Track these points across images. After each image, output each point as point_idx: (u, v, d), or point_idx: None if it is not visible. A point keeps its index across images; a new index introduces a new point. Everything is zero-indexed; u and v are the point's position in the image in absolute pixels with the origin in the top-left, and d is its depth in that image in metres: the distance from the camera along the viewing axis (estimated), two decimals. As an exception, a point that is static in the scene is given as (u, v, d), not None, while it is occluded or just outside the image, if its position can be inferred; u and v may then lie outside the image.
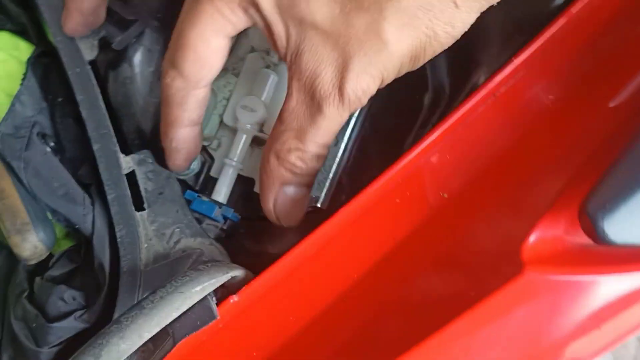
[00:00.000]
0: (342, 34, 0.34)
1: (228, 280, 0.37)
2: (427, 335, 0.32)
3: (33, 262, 0.41)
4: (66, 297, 0.40)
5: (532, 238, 0.31)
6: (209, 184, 0.45)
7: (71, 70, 0.42)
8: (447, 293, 0.34)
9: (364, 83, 0.35)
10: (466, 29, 0.35)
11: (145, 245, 0.40)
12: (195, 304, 0.35)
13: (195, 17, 0.36)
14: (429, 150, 0.37)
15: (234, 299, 0.35)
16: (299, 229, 0.39)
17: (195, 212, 0.42)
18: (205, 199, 0.42)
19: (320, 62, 0.35)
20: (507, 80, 0.36)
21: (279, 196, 0.38)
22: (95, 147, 0.41)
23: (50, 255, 0.43)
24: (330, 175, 0.43)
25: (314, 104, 0.35)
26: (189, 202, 0.42)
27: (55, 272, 0.42)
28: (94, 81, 0.42)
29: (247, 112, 0.43)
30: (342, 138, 0.43)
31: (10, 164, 0.41)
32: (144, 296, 0.35)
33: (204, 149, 0.46)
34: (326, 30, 0.34)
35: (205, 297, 0.35)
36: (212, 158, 0.46)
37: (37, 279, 0.42)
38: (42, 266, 0.43)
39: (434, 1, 0.33)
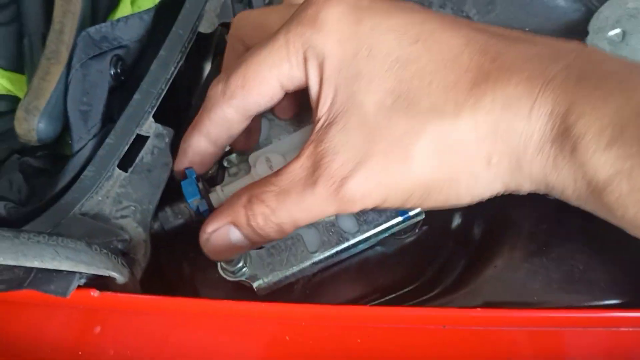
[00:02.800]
0: (377, 129, 0.33)
1: (111, 279, 0.36)
2: None
3: (21, 140, 0.43)
4: (15, 184, 0.42)
5: None
6: None
7: (176, 28, 0.44)
8: None
9: (367, 189, 0.33)
10: (484, 198, 0.33)
11: (100, 198, 0.41)
12: (64, 271, 0.35)
13: (267, 43, 0.36)
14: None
15: (95, 293, 0.35)
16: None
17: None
18: (200, 186, 0.41)
19: (343, 144, 0.33)
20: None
21: (221, 230, 0.37)
22: (136, 96, 0.43)
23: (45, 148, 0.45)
24: (287, 273, 0.41)
25: (312, 178, 0.34)
26: (185, 176, 0.42)
27: (33, 162, 0.45)
28: (185, 48, 0.44)
29: (266, 165, 0.42)
30: (322, 252, 0.41)
31: (72, 58, 0.44)
32: (34, 231, 0.35)
33: (224, 170, 0.46)
34: (368, 116, 0.33)
35: (73, 273, 0.35)
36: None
37: (16, 155, 0.44)
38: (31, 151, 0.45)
39: (471, 146, 0.31)
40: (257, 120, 0.43)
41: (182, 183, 0.41)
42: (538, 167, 0.30)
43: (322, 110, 0.35)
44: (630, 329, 0.30)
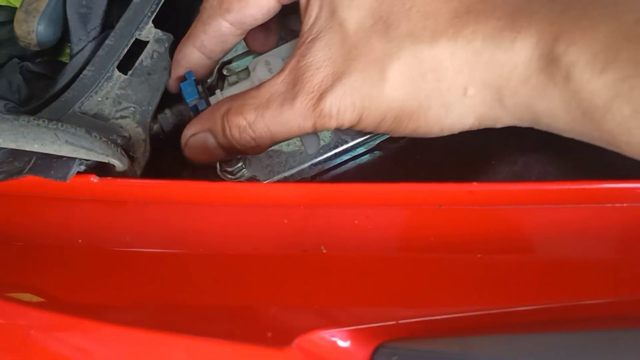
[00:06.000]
0: (356, 48, 0.33)
1: (112, 167, 0.36)
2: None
3: (20, 43, 0.43)
4: (14, 85, 0.42)
5: (323, 333, 0.27)
6: None
7: None
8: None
9: (343, 105, 0.33)
10: (455, 131, 0.33)
11: (99, 98, 0.41)
12: (64, 157, 0.35)
13: None
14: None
15: (95, 179, 0.35)
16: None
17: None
18: (199, 88, 0.41)
19: (325, 59, 0.34)
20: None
21: (200, 135, 0.38)
22: (135, 0, 0.43)
23: (44, 54, 0.45)
24: (286, 174, 0.41)
25: (292, 92, 0.34)
26: (183, 78, 0.42)
27: (33, 67, 0.45)
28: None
29: (265, 68, 0.42)
30: (320, 154, 0.41)
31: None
32: (35, 116, 0.35)
33: (224, 78, 0.46)
34: (349, 34, 0.33)
35: (73, 158, 0.35)
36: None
37: (15, 59, 0.44)
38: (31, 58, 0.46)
39: (446, 75, 0.31)
40: (275, 20, 0.42)
41: (182, 84, 0.41)
42: (523, 97, 0.30)
43: (307, 26, 0.35)
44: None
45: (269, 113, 0.35)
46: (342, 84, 0.33)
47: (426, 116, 0.32)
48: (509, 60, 0.30)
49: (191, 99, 0.41)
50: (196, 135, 0.38)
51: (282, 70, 0.36)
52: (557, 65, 0.28)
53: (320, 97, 0.33)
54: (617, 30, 0.27)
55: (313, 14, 0.35)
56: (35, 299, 0.36)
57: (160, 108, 0.42)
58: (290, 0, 0.37)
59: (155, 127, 0.42)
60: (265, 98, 0.35)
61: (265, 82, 0.36)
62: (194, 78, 0.41)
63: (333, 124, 0.34)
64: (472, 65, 0.30)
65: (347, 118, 0.34)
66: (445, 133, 0.33)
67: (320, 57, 0.34)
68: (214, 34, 0.39)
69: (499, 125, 0.32)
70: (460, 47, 0.30)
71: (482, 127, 0.32)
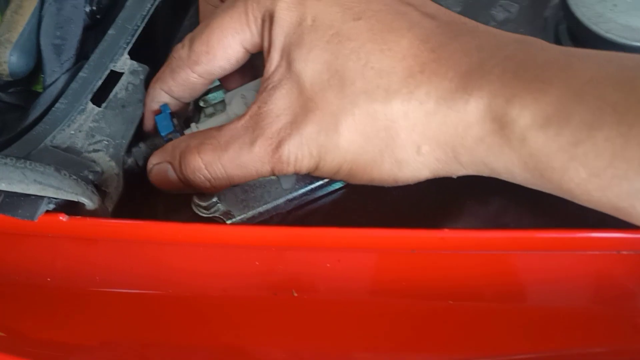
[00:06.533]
0: (314, 100, 0.34)
1: (82, 205, 0.36)
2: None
3: (-8, 74, 0.42)
4: (-15, 119, 0.42)
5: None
6: None
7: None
8: None
9: (300, 153, 0.34)
10: (410, 182, 0.33)
11: (72, 132, 0.40)
12: (31, 196, 0.35)
13: (228, 9, 0.37)
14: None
15: (63, 217, 0.34)
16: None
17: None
18: (175, 122, 0.41)
19: (285, 108, 0.34)
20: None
21: (162, 165, 0.38)
22: (110, 31, 0.42)
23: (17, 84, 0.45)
24: (261, 209, 0.41)
25: (252, 136, 0.35)
26: (158, 111, 0.41)
27: (5, 97, 0.44)
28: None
29: (242, 102, 0.42)
30: (296, 189, 0.41)
31: (46, -7, 0.43)
32: (2, 154, 0.35)
33: (201, 110, 0.45)
34: (305, 87, 0.34)
35: (41, 197, 0.34)
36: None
37: (-14, 92, 0.44)
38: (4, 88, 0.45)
39: (400, 133, 0.32)
40: (251, 58, 0.41)
41: (156, 117, 0.41)
42: (479, 155, 0.31)
43: (268, 73, 0.36)
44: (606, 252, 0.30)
45: (227, 155, 0.35)
46: (300, 134, 0.33)
47: (380, 170, 0.33)
48: (462, 121, 0.30)
49: (166, 132, 0.40)
50: (159, 165, 0.38)
51: (243, 114, 0.36)
52: (511, 128, 0.29)
53: (279, 144, 0.34)
54: (568, 93, 0.27)
55: (274, 63, 0.35)
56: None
57: (135, 141, 0.42)
58: (257, 49, 0.38)
59: (130, 160, 0.41)
60: (224, 140, 0.36)
61: (226, 124, 0.37)
62: (169, 111, 0.41)
63: (291, 169, 0.35)
64: (425, 125, 0.31)
65: (304, 165, 0.34)
66: (400, 184, 0.34)
67: (280, 106, 0.34)
68: (182, 83, 0.39)
69: (456, 176, 0.33)
70: (413, 108, 0.31)
71: (438, 177, 0.33)
